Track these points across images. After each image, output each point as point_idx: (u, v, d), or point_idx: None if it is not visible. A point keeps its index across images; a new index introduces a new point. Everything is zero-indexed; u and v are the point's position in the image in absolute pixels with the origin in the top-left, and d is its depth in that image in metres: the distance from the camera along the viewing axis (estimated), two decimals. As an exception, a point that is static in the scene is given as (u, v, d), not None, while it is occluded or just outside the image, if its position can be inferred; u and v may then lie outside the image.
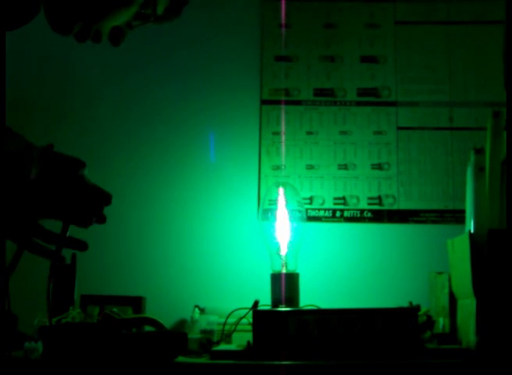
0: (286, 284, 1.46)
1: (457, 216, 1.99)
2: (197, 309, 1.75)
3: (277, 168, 2.08)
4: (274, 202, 1.63)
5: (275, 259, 1.54)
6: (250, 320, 1.30)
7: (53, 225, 1.14)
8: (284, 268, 1.51)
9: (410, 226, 2.04)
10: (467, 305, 1.34)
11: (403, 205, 2.05)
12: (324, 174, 2.07)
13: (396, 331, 1.23)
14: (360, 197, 2.06)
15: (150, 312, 1.71)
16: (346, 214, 2.05)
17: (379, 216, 2.05)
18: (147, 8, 1.16)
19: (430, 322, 1.42)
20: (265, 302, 1.45)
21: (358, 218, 2.05)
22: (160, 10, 1.18)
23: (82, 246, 1.17)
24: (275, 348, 1.22)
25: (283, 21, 2.14)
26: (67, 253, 1.60)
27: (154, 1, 1.16)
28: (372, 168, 2.07)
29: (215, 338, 1.50)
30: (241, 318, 1.42)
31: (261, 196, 2.02)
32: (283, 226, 1.56)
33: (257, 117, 2.10)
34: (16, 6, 1.11)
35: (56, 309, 1.50)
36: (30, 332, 1.35)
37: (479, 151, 1.41)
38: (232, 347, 1.35)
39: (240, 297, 1.42)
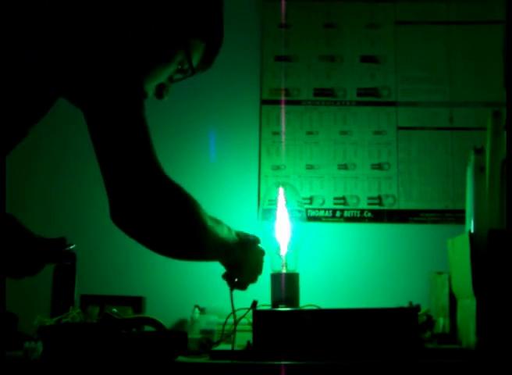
0: (286, 284, 1.46)
1: (457, 216, 1.99)
2: (197, 309, 1.75)
3: (277, 168, 2.08)
4: (274, 202, 1.63)
5: (275, 259, 1.54)
6: (250, 320, 1.30)
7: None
8: (284, 268, 1.51)
9: (410, 226, 2.04)
10: (467, 305, 1.34)
11: (403, 205, 2.05)
12: (324, 174, 2.07)
13: (396, 331, 1.22)
14: (360, 197, 2.06)
15: (150, 312, 1.71)
16: (346, 214, 2.05)
17: (379, 216, 2.05)
18: (184, 64, 1.27)
19: (430, 322, 1.42)
20: (265, 302, 1.45)
21: (358, 218, 2.05)
22: (195, 63, 1.30)
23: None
24: (275, 348, 1.22)
25: (283, 21, 2.14)
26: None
27: (190, 58, 1.27)
28: (372, 168, 2.07)
29: (215, 338, 1.49)
30: (240, 318, 1.42)
31: (261, 196, 2.02)
32: (283, 226, 1.56)
33: (257, 117, 2.10)
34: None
35: (56, 309, 1.51)
36: (30, 332, 1.35)
37: (479, 151, 1.41)
38: (233, 347, 1.35)
39: (240, 297, 1.41)
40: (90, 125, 1.11)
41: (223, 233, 1.27)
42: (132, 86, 1.12)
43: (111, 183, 1.10)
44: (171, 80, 1.31)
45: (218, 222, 1.26)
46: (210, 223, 1.22)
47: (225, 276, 1.39)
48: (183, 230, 1.16)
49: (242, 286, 1.39)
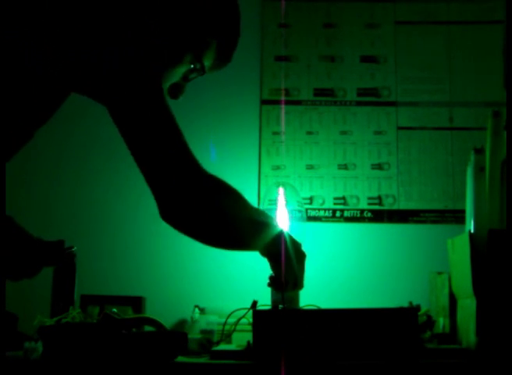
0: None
1: (457, 216, 1.99)
2: (197, 309, 1.75)
3: (277, 168, 2.08)
4: (274, 202, 1.63)
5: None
6: (250, 320, 1.30)
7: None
8: (284, 268, 1.50)
9: (410, 226, 2.04)
10: (467, 305, 1.34)
11: (403, 205, 2.05)
12: (324, 174, 2.07)
13: (396, 331, 1.22)
14: (360, 197, 2.06)
15: (150, 312, 1.71)
16: (346, 214, 2.05)
17: (379, 216, 2.05)
18: (196, 63, 1.27)
19: (430, 322, 1.42)
20: (265, 302, 1.45)
21: (358, 218, 2.05)
22: (208, 64, 1.29)
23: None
24: (275, 348, 1.22)
25: (283, 21, 2.14)
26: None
27: (200, 58, 1.26)
28: (372, 168, 2.07)
29: (215, 338, 1.49)
30: (240, 318, 1.42)
31: (261, 196, 2.02)
32: (283, 226, 1.55)
33: (257, 117, 2.10)
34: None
35: (56, 309, 1.50)
36: (30, 332, 1.35)
37: (479, 151, 1.41)
38: (232, 347, 1.35)
39: (240, 297, 1.41)
40: (119, 126, 1.12)
41: (265, 220, 1.28)
42: (147, 84, 1.11)
43: (155, 184, 1.13)
44: (186, 79, 1.31)
45: (262, 213, 1.30)
46: (254, 212, 1.26)
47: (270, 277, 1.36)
48: (230, 222, 1.20)
49: (281, 286, 1.33)
